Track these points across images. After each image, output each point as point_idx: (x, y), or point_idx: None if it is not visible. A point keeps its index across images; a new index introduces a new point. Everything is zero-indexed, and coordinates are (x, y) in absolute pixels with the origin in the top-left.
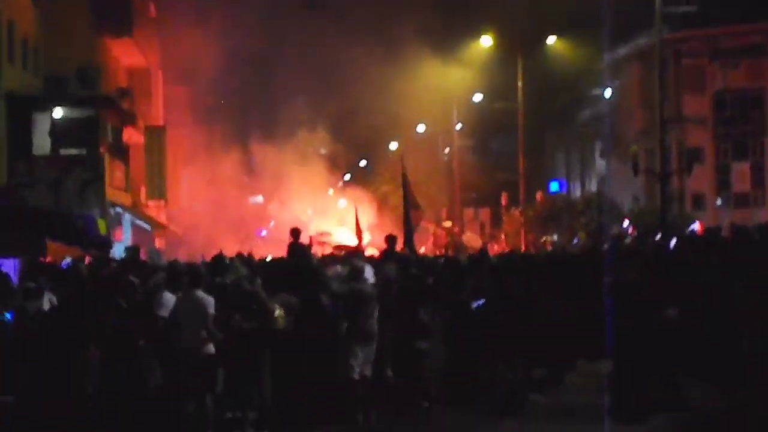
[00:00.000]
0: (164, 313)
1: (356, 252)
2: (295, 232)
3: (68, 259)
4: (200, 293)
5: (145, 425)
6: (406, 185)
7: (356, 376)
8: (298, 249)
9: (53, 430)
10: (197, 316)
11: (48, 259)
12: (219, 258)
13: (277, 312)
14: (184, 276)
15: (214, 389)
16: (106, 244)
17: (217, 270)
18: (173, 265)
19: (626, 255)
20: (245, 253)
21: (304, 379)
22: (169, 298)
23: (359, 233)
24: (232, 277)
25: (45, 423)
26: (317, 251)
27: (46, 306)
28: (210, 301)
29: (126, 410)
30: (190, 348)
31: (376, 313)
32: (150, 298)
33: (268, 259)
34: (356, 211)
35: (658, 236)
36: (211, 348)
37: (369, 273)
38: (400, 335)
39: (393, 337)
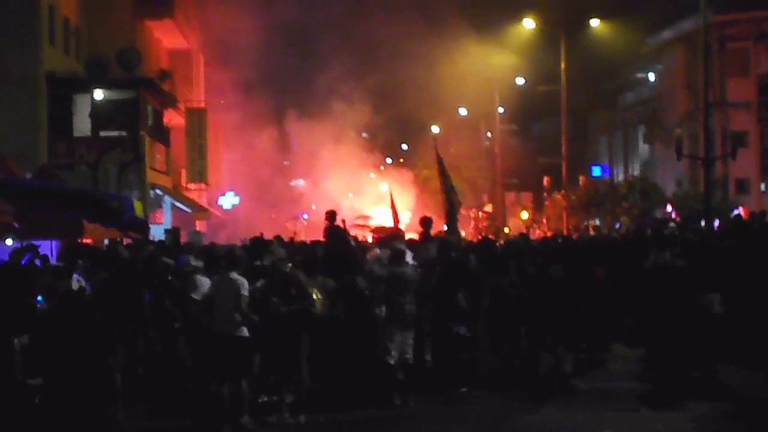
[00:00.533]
0: (197, 296)
1: (396, 235)
2: (331, 215)
3: (106, 242)
4: (235, 275)
5: (181, 408)
6: (443, 168)
7: (392, 360)
8: (334, 232)
9: (81, 414)
10: (231, 299)
11: (87, 241)
12: (258, 240)
13: (315, 296)
14: (221, 259)
15: (249, 373)
16: (143, 226)
17: (256, 253)
18: (209, 249)
19: (669, 240)
20: (285, 237)
21: (342, 363)
22: (204, 282)
23: (396, 217)
24: (269, 260)
25: (74, 406)
26: (357, 235)
27: (74, 286)
28: (243, 282)
29: (163, 393)
30: (224, 331)
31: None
32: (184, 281)
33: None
34: (391, 195)
35: (702, 222)
36: (245, 331)
37: (408, 257)
38: (439, 319)
39: (432, 321)
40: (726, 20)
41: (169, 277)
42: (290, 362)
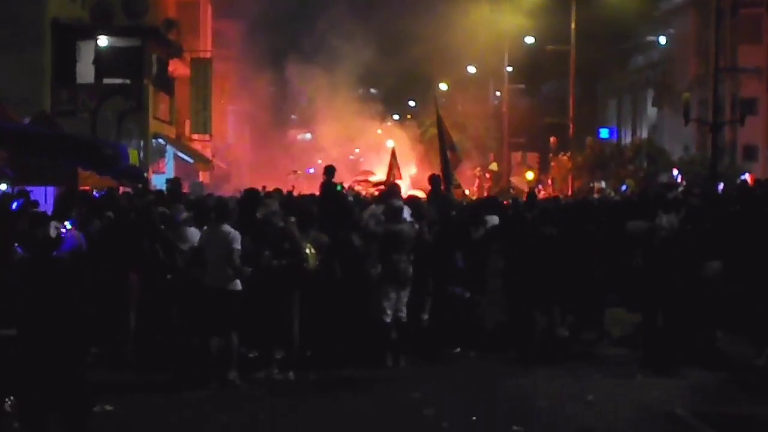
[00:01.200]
0: (185, 247)
1: (392, 191)
2: (329, 171)
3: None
4: (227, 228)
5: (169, 360)
6: (441, 126)
7: (388, 319)
8: (330, 188)
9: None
10: (222, 252)
11: (84, 188)
12: (252, 193)
13: (308, 251)
14: (212, 210)
15: (239, 327)
16: (139, 175)
17: (250, 205)
18: (199, 200)
19: (673, 204)
20: (285, 190)
21: (334, 319)
22: (193, 233)
23: (394, 172)
24: (262, 212)
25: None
26: (360, 190)
27: (52, 233)
28: (236, 236)
29: (152, 344)
30: (214, 284)
31: (412, 256)
32: (173, 232)
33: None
34: (393, 151)
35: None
36: (237, 284)
37: (406, 214)
38: (436, 279)
39: (430, 281)
40: None
41: (162, 227)
42: (281, 317)
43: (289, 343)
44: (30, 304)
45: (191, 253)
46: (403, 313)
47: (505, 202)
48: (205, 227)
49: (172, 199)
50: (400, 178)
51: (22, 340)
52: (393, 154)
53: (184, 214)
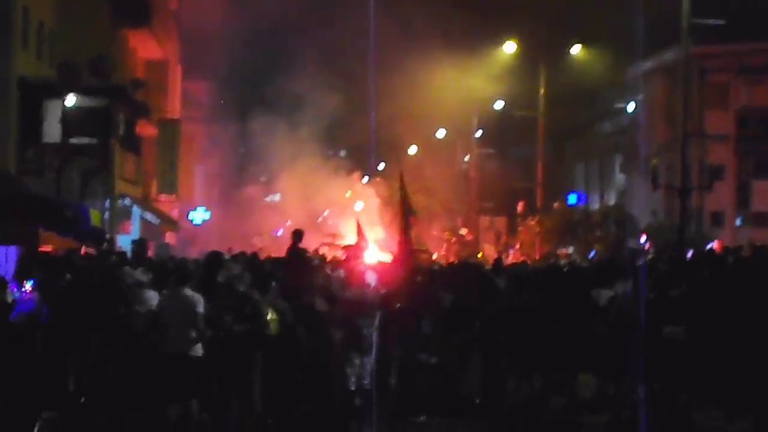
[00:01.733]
0: (142, 310)
1: (355, 255)
2: (296, 235)
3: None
4: (188, 291)
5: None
6: (403, 190)
7: (352, 386)
8: (297, 251)
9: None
10: (185, 316)
11: (47, 248)
12: (214, 255)
13: (270, 316)
14: (172, 274)
15: (200, 393)
16: (101, 235)
17: (213, 268)
18: (158, 263)
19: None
20: (248, 252)
21: (297, 385)
22: (151, 296)
23: (361, 241)
24: (223, 276)
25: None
26: (327, 254)
27: (8, 299)
28: (198, 299)
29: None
30: (176, 350)
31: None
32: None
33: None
34: (358, 222)
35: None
36: (199, 350)
37: (371, 279)
38: (402, 345)
39: (395, 347)
40: (706, 52)
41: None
42: (241, 383)
43: (250, 409)
44: None
45: (149, 317)
46: (367, 380)
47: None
48: (165, 291)
49: (136, 260)
50: (367, 248)
51: None
52: (359, 226)
53: (143, 277)
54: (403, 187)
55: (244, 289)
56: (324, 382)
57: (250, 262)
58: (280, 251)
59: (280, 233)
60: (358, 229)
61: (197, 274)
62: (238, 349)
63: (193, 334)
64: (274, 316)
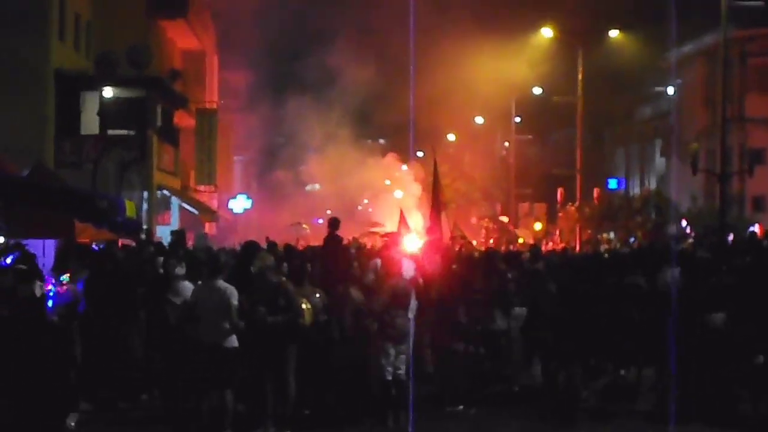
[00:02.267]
0: (177, 301)
1: (395, 244)
2: (333, 223)
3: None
4: (221, 283)
5: (161, 419)
6: (436, 182)
7: (388, 376)
8: (334, 240)
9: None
10: (219, 308)
11: (84, 240)
12: (249, 245)
13: (304, 306)
14: (203, 265)
15: (234, 384)
16: (136, 227)
17: (248, 258)
18: (191, 254)
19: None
20: (288, 243)
21: (333, 377)
22: (186, 287)
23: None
24: (257, 266)
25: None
26: (366, 242)
27: (37, 292)
28: (232, 291)
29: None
30: (211, 341)
31: (412, 311)
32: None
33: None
34: (401, 211)
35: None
36: (233, 341)
37: (408, 267)
38: (438, 334)
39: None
40: (747, 35)
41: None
42: (276, 374)
43: (285, 401)
44: (8, 363)
45: (184, 308)
46: (402, 370)
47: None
48: (199, 282)
49: (174, 251)
50: (409, 231)
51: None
52: (401, 215)
53: (179, 269)
54: (435, 176)
55: (278, 280)
56: (359, 372)
57: (286, 252)
58: (320, 240)
59: (320, 221)
60: (400, 217)
61: (232, 264)
62: (272, 340)
63: (227, 325)
64: (309, 307)
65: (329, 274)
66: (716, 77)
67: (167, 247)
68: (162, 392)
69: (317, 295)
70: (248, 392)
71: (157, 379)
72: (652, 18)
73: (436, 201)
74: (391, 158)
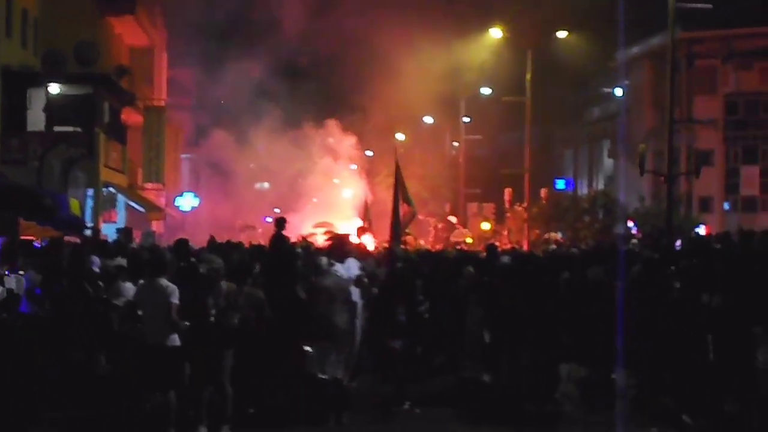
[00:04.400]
0: (120, 302)
1: (341, 242)
2: (279, 223)
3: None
4: (163, 281)
5: (102, 421)
6: (398, 177)
7: (324, 375)
8: (279, 240)
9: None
10: (161, 306)
11: (29, 237)
12: (181, 243)
13: (244, 305)
14: (146, 264)
15: (178, 384)
16: (79, 224)
17: (182, 256)
18: (135, 252)
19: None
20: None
21: (274, 376)
22: (128, 288)
23: (366, 227)
24: (205, 268)
25: None
26: (315, 241)
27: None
28: (173, 289)
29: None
30: (154, 341)
31: (349, 311)
32: (106, 287)
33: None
34: (366, 203)
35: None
36: (176, 340)
37: (354, 266)
38: (375, 332)
39: (367, 334)
40: (694, 37)
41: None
42: (214, 376)
43: (223, 399)
44: None
45: (126, 308)
46: (341, 370)
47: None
48: (141, 281)
49: (118, 249)
50: (366, 231)
51: None
52: (366, 206)
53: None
54: (398, 176)
55: (220, 279)
56: (300, 371)
57: (227, 251)
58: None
59: (269, 220)
60: (364, 215)
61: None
62: (211, 339)
63: (168, 324)
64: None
65: (274, 273)
66: (664, 79)
67: (111, 245)
68: (106, 394)
69: (260, 294)
70: (189, 392)
71: (101, 381)
72: (600, 19)
73: (397, 199)
74: (340, 157)
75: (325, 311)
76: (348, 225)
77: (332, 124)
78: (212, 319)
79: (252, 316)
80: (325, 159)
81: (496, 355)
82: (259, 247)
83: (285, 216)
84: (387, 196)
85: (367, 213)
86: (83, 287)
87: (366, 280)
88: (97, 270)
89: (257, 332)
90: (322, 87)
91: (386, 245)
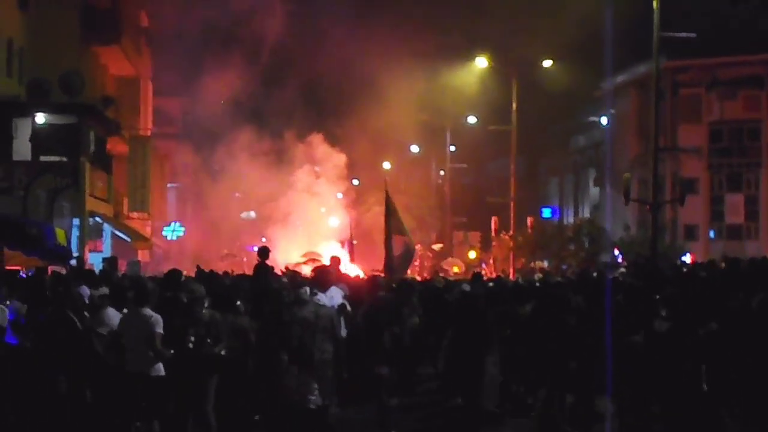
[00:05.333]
0: (104, 331)
1: (323, 273)
2: (263, 252)
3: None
4: (147, 311)
5: None
6: (389, 207)
7: (311, 405)
8: (263, 269)
9: None
10: (145, 336)
11: (14, 267)
12: (172, 273)
13: (228, 335)
14: (129, 292)
15: (162, 413)
16: (65, 254)
17: (169, 286)
18: (117, 281)
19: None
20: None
21: (255, 405)
22: (112, 315)
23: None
24: (187, 297)
25: None
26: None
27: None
28: (158, 319)
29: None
30: (137, 370)
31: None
32: (91, 315)
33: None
34: (351, 236)
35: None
36: (160, 369)
37: (337, 295)
38: (363, 359)
39: (353, 361)
40: (679, 66)
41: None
42: (197, 406)
43: (206, 430)
44: None
45: (109, 338)
46: (320, 398)
47: None
48: (125, 310)
49: (103, 278)
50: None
51: None
52: (350, 237)
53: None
54: (390, 206)
55: (203, 309)
56: (283, 400)
57: (210, 280)
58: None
59: (254, 249)
60: (350, 249)
61: (155, 293)
62: (193, 369)
63: (152, 354)
64: (231, 335)
65: (257, 302)
66: (648, 107)
67: (97, 275)
68: (91, 424)
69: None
70: (172, 421)
71: (86, 410)
72: (585, 49)
73: (389, 230)
74: (325, 186)
75: (301, 340)
76: (334, 253)
77: (320, 147)
78: (191, 347)
79: (236, 345)
80: (311, 186)
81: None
82: (242, 276)
83: (269, 245)
84: (374, 224)
85: (351, 242)
86: (68, 316)
87: (349, 308)
88: (86, 300)
89: (241, 361)
90: (308, 114)
91: (376, 273)
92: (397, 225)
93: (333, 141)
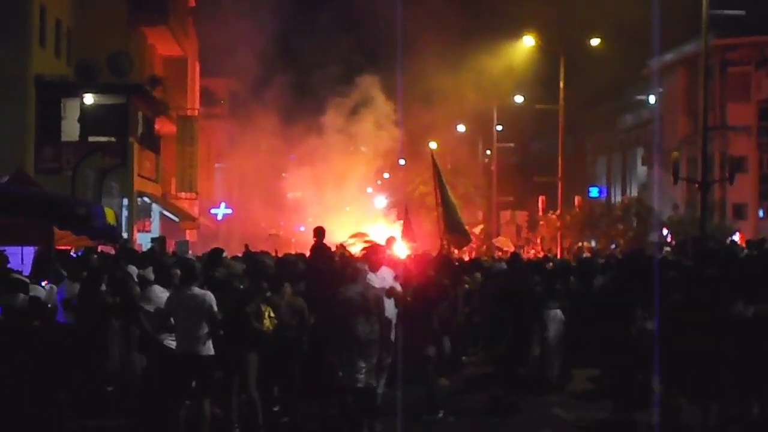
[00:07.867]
0: (151, 308)
1: (373, 252)
2: (319, 233)
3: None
4: (198, 290)
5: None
6: (441, 181)
7: (359, 384)
8: (320, 249)
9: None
10: (195, 315)
11: (65, 247)
12: (215, 252)
13: (271, 314)
14: (176, 271)
15: (212, 393)
16: (115, 234)
17: (211, 265)
18: (161, 260)
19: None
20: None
21: (307, 384)
22: (158, 292)
23: (409, 238)
24: (223, 273)
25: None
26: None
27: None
28: (211, 297)
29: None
30: (186, 350)
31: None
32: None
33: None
34: (406, 212)
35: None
36: (210, 348)
37: (388, 276)
38: (408, 340)
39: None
40: (728, 44)
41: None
42: (241, 383)
43: (252, 410)
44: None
45: (158, 317)
46: (370, 379)
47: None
48: (171, 289)
49: (152, 257)
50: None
51: None
52: (406, 216)
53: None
54: (440, 181)
55: (243, 288)
56: (333, 380)
57: (254, 259)
58: (302, 247)
59: (302, 229)
60: (405, 227)
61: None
62: (236, 348)
63: (203, 333)
64: (272, 314)
65: (317, 282)
66: (697, 86)
67: (143, 254)
68: (139, 403)
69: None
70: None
71: (135, 389)
72: (633, 27)
73: (446, 197)
74: (372, 166)
75: (346, 321)
76: (383, 233)
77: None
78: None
79: (293, 324)
80: (358, 167)
81: None
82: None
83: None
84: (421, 204)
85: (407, 214)
86: (118, 295)
87: (399, 288)
88: (135, 278)
89: (297, 340)
90: (355, 95)
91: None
92: (443, 195)
93: (379, 120)
